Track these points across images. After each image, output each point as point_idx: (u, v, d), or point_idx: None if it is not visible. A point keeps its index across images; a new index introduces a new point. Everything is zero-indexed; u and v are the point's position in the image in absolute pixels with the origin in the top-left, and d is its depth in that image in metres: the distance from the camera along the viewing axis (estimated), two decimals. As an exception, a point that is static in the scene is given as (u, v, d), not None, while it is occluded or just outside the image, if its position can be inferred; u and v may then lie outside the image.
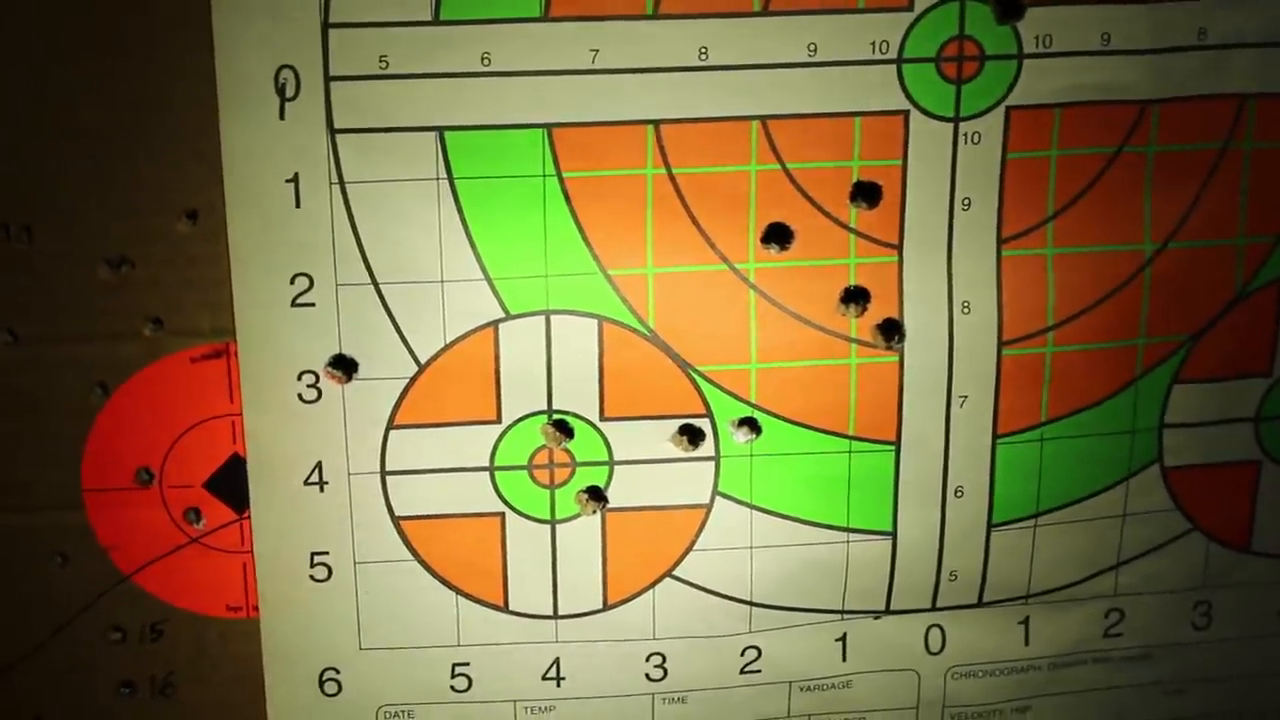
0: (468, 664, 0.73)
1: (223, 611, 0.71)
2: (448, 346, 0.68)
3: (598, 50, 0.65)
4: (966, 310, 0.70)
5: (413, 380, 0.68)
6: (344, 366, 0.68)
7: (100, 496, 0.69)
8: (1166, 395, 0.73)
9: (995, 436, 0.72)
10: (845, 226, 0.68)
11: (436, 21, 0.64)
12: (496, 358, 0.69)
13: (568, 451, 0.70)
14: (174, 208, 0.66)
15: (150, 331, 0.67)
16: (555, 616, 0.73)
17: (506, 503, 0.71)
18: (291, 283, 0.67)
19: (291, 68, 0.64)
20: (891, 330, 0.70)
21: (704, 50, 0.65)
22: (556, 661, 0.73)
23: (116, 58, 0.63)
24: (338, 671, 0.72)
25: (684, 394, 0.70)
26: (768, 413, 0.70)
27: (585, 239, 0.67)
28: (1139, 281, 0.70)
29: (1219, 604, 0.77)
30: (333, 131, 0.65)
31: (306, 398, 0.68)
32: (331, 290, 0.67)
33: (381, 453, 0.69)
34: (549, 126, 0.66)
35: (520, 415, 0.70)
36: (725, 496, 0.72)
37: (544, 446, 0.70)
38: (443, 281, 0.67)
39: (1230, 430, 0.74)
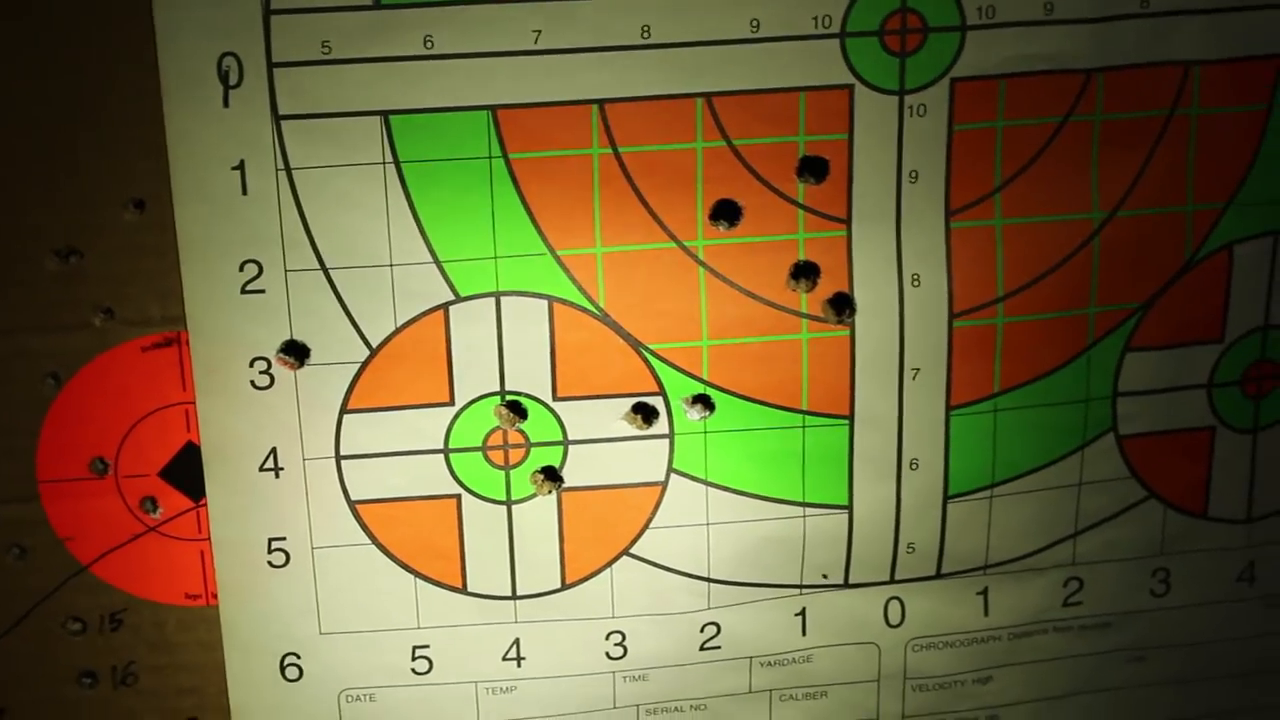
0: (428, 646, 0.73)
1: (182, 600, 0.71)
2: (399, 330, 0.68)
3: (540, 31, 0.65)
4: (916, 283, 0.70)
5: (365, 364, 0.69)
6: (295, 352, 0.68)
7: (56, 487, 0.69)
8: (1119, 363, 0.73)
9: (949, 408, 0.72)
10: (793, 202, 0.68)
11: (378, 5, 0.64)
12: (448, 340, 0.69)
13: (521, 432, 0.70)
14: (121, 197, 0.66)
15: (101, 321, 0.67)
16: (514, 597, 0.73)
17: (462, 484, 0.71)
18: (241, 270, 0.67)
19: (234, 55, 0.64)
20: (842, 305, 0.70)
21: (646, 29, 0.65)
22: (516, 642, 0.73)
23: (58, 48, 0.63)
24: (298, 656, 0.72)
25: (636, 372, 0.70)
26: (721, 389, 0.71)
27: (533, 220, 0.67)
28: (1088, 250, 0.71)
29: (1177, 570, 0.77)
30: (277, 118, 0.65)
31: (259, 384, 0.68)
32: (281, 276, 0.67)
33: (336, 437, 0.69)
34: (494, 108, 0.66)
35: (473, 397, 0.70)
36: (680, 474, 0.72)
37: (498, 428, 0.70)
38: (392, 265, 0.67)
39: (1184, 397, 0.74)
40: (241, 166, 0.66)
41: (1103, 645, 0.78)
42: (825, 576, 0.73)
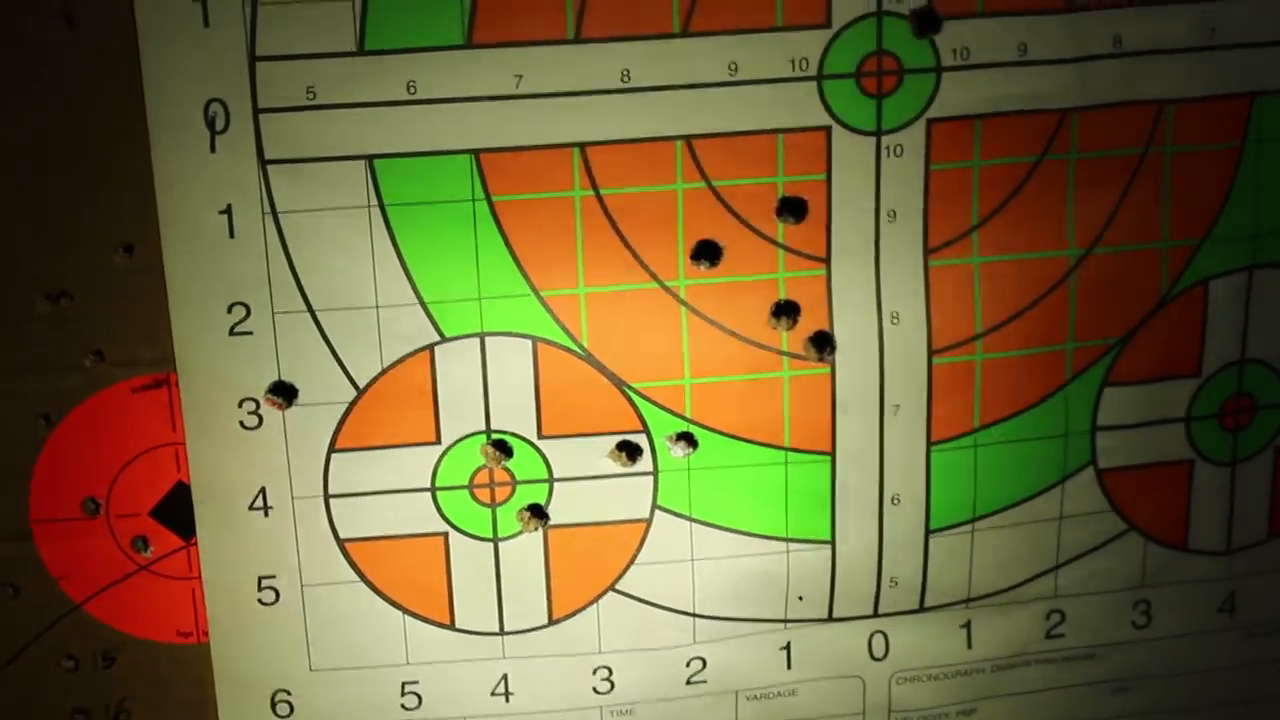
0: (417, 682, 0.74)
1: (173, 637, 0.72)
2: (385, 370, 0.69)
3: (521, 75, 0.66)
4: (896, 320, 0.71)
5: (352, 404, 0.69)
6: (284, 393, 0.69)
7: (48, 527, 0.70)
8: (1098, 398, 0.74)
9: (929, 444, 0.73)
10: (773, 241, 0.69)
11: (361, 52, 0.65)
12: (434, 380, 0.70)
13: (507, 470, 0.71)
14: (110, 241, 0.67)
15: (91, 363, 0.68)
16: (502, 633, 0.74)
17: (449, 522, 0.72)
18: (229, 312, 0.68)
19: (220, 101, 0.65)
20: (823, 343, 0.71)
21: (626, 72, 0.66)
22: (505, 677, 0.74)
23: (47, 94, 0.64)
24: (289, 693, 0.73)
25: (620, 411, 0.71)
26: (704, 427, 0.72)
27: (517, 261, 0.68)
28: (1065, 287, 0.71)
29: (1158, 602, 0.78)
30: (263, 162, 0.66)
31: (248, 424, 0.69)
32: (269, 318, 0.68)
33: (324, 476, 0.70)
34: (476, 151, 0.67)
35: (459, 436, 0.71)
36: (665, 510, 0.73)
37: (484, 466, 0.71)
38: (378, 307, 0.68)
39: (1162, 431, 0.75)
40: (229, 210, 0.67)
41: (1086, 677, 0.79)
42: (800, 599, 0.74)
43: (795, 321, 0.70)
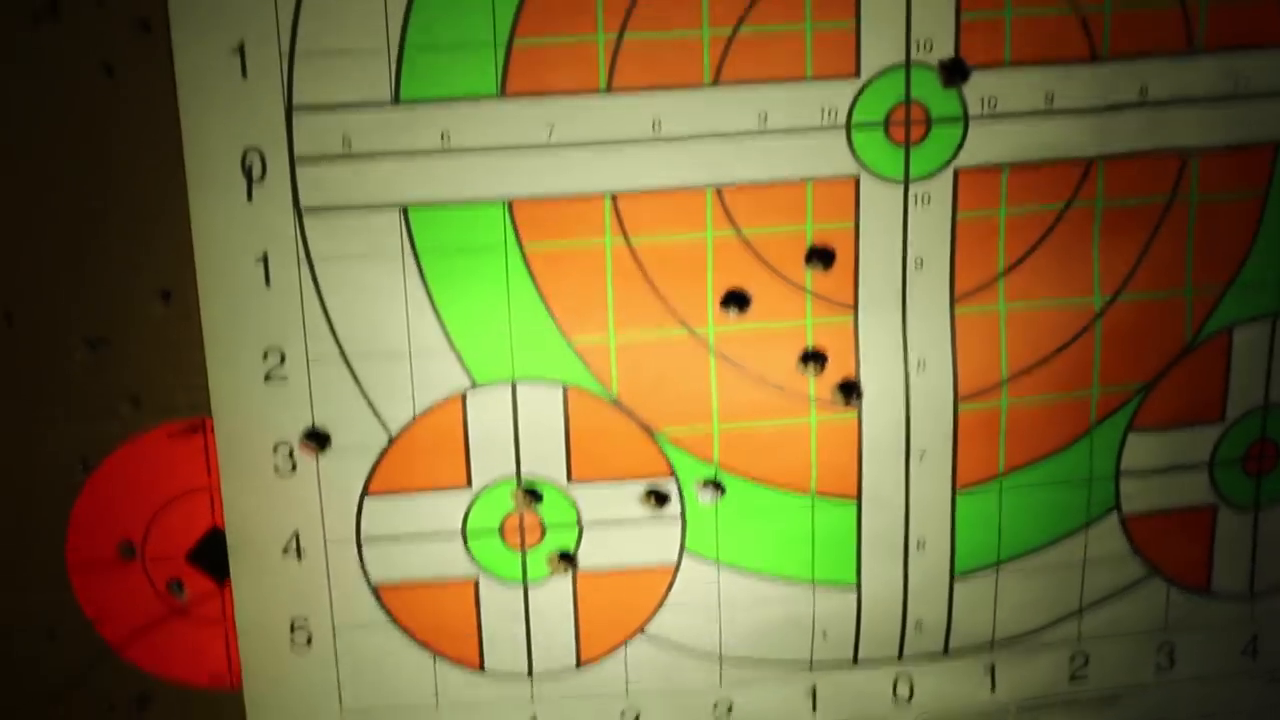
0: (446, 724, 0.74)
1: (206, 681, 0.73)
2: (417, 417, 0.70)
3: (554, 125, 0.67)
4: (922, 368, 0.72)
5: (384, 450, 0.70)
6: (317, 439, 0.69)
7: (85, 569, 0.71)
8: (1122, 443, 0.74)
9: (955, 489, 0.74)
10: (801, 289, 0.70)
11: (396, 102, 0.66)
12: (465, 426, 0.70)
13: (537, 515, 0.72)
14: (148, 289, 0.67)
15: (128, 409, 0.69)
16: (530, 676, 0.74)
17: (479, 566, 0.72)
18: (264, 359, 0.68)
19: (258, 150, 0.66)
20: (850, 389, 0.71)
21: (657, 122, 0.67)
22: (533, 719, 0.75)
23: (87, 145, 0.65)
24: (321, 736, 0.74)
25: (649, 457, 0.71)
26: (732, 473, 0.72)
27: (548, 309, 0.69)
28: (1090, 334, 0.72)
29: (1182, 645, 0.78)
30: (299, 211, 0.67)
31: (282, 470, 0.70)
32: (303, 365, 0.69)
33: (357, 521, 0.71)
34: (509, 200, 0.67)
35: (490, 481, 0.71)
36: (693, 555, 0.73)
37: (514, 511, 0.72)
38: (410, 354, 0.69)
39: (1186, 476, 0.76)
40: (265, 258, 0.67)
41: (1109, 719, 0.79)
42: (825, 635, 0.75)
43: (823, 368, 0.71)
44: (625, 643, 0.74)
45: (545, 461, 0.71)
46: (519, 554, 0.72)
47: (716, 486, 0.72)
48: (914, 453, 0.73)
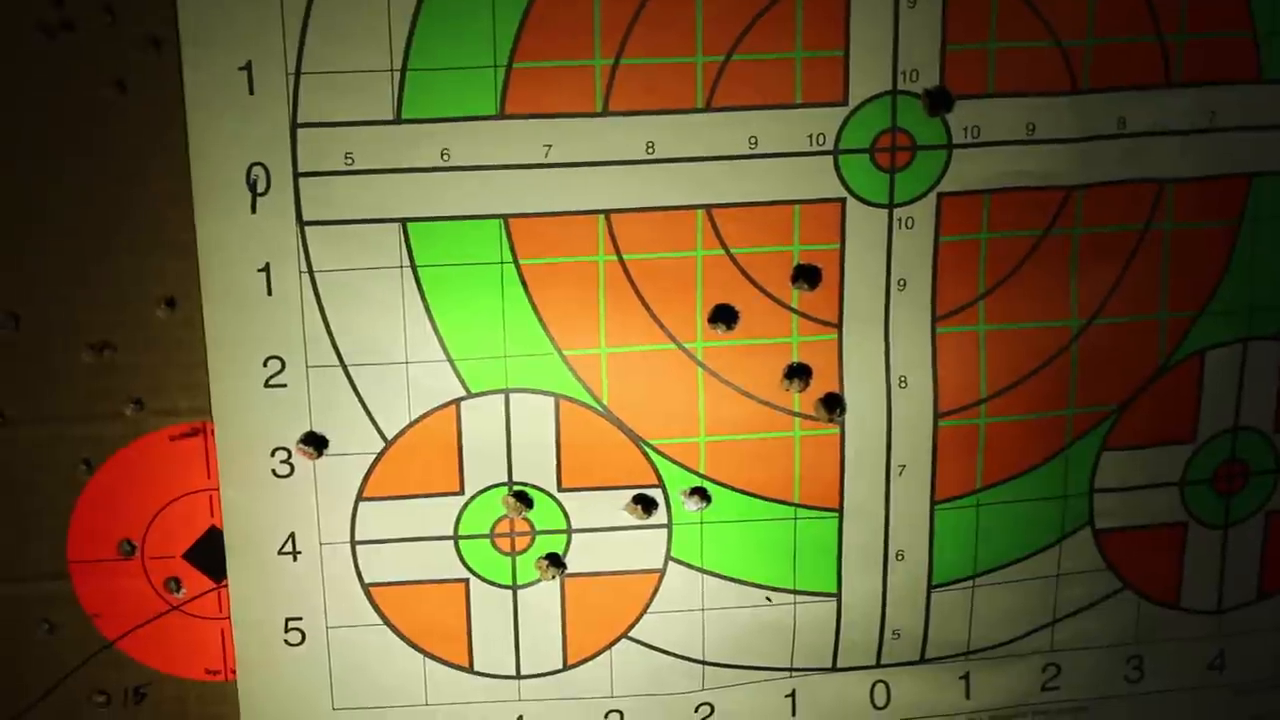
0: (435, 722, 0.76)
1: (202, 675, 0.74)
2: (412, 423, 0.72)
3: (551, 145, 0.69)
4: (904, 384, 0.73)
5: (380, 455, 0.72)
6: (315, 443, 0.71)
7: (85, 567, 0.72)
8: (1096, 462, 0.76)
9: (933, 503, 0.76)
10: (787, 307, 0.72)
11: (398, 120, 0.68)
12: (459, 433, 0.72)
13: (528, 520, 0.74)
14: (153, 296, 0.69)
15: (131, 412, 0.70)
16: (518, 676, 0.76)
17: (470, 569, 0.74)
18: (264, 365, 0.70)
19: (262, 165, 0.68)
20: (833, 404, 0.73)
21: (651, 144, 0.69)
22: (520, 719, 0.76)
23: (98, 157, 0.67)
24: (312, 731, 0.75)
25: (637, 466, 0.73)
26: (717, 483, 0.74)
27: (542, 322, 0.71)
28: (1067, 355, 0.74)
29: (1151, 658, 0.80)
30: (302, 224, 0.69)
31: (280, 473, 0.72)
32: (302, 372, 0.70)
33: (351, 523, 0.73)
34: (506, 217, 0.69)
35: (482, 487, 0.73)
36: (678, 561, 0.75)
37: (505, 516, 0.74)
38: (407, 363, 0.71)
39: (1157, 494, 0.78)
40: (267, 269, 0.69)
41: (1079, 729, 0.81)
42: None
43: (807, 384, 0.73)
44: (611, 645, 0.76)
45: (536, 468, 0.73)
46: (509, 558, 0.74)
47: (702, 495, 0.73)
48: (894, 467, 0.74)
